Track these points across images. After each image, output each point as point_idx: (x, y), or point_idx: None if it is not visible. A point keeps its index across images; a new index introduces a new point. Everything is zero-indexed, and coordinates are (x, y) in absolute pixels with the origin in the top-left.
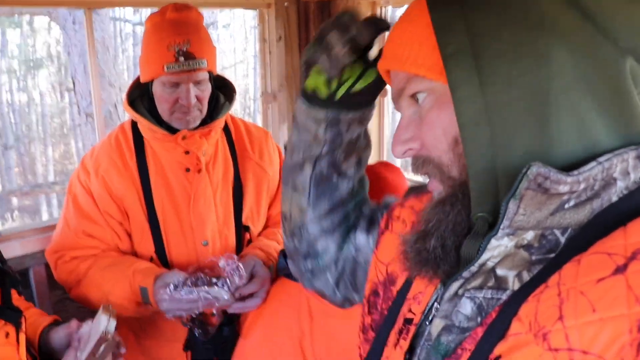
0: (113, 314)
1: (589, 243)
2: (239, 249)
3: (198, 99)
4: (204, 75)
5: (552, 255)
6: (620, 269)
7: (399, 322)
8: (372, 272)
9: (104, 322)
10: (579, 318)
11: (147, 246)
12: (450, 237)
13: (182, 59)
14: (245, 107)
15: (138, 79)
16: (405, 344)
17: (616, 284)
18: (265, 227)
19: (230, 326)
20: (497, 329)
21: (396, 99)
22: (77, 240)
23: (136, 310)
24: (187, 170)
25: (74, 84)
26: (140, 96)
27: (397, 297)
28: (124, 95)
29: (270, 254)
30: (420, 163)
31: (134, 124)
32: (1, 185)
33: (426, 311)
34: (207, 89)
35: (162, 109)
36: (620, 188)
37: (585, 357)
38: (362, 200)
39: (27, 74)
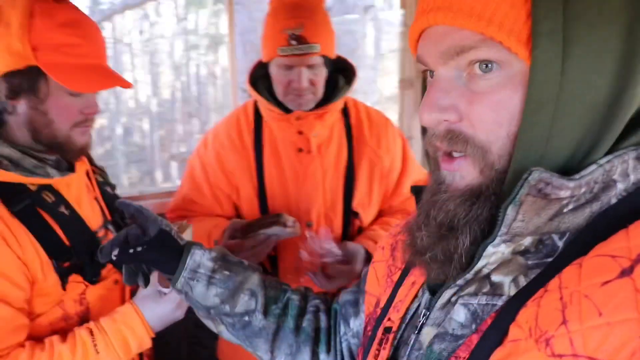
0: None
1: (589, 246)
2: (346, 234)
3: (311, 82)
4: (317, 60)
5: (550, 259)
6: (626, 272)
7: (379, 333)
8: (366, 307)
9: (185, 236)
10: (584, 322)
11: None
12: (474, 235)
13: (294, 42)
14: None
15: (259, 60)
16: (385, 354)
17: (623, 287)
18: (380, 215)
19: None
20: (493, 336)
21: (447, 57)
22: (185, 206)
23: None
24: (300, 150)
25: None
26: (262, 76)
27: (381, 313)
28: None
29: None
30: (459, 140)
31: (255, 104)
32: (185, 148)
33: (407, 319)
34: (321, 73)
35: (277, 90)
36: (619, 190)
37: None
38: (314, 308)
39: (210, 50)
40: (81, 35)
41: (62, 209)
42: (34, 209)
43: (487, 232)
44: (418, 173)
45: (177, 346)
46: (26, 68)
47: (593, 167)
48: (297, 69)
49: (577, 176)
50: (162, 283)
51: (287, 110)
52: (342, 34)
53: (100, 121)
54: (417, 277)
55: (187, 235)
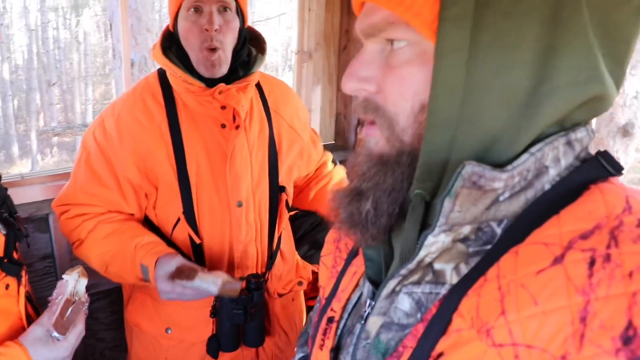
0: (82, 273)
1: (525, 233)
2: (274, 211)
3: (222, 31)
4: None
5: (489, 246)
6: (558, 260)
7: (323, 323)
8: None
9: (71, 284)
10: (521, 312)
11: (174, 206)
12: (385, 202)
13: None
14: (287, 59)
15: (167, 29)
16: (329, 343)
17: (556, 275)
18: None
19: (259, 291)
20: (438, 325)
21: (366, 34)
22: (82, 198)
23: (135, 282)
24: (223, 126)
25: (111, 26)
26: (169, 47)
27: (325, 303)
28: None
29: None
30: (370, 108)
31: (161, 77)
32: (43, 120)
33: (349, 308)
34: (233, 21)
35: (190, 47)
36: (552, 176)
37: (529, 351)
38: None
39: (73, 13)
40: None
41: None
42: None
43: (424, 221)
44: (321, 144)
45: None
46: None
47: (525, 156)
48: (207, 10)
49: (509, 167)
50: (57, 329)
51: (207, 84)
52: None
53: None
54: (358, 267)
55: (81, 285)
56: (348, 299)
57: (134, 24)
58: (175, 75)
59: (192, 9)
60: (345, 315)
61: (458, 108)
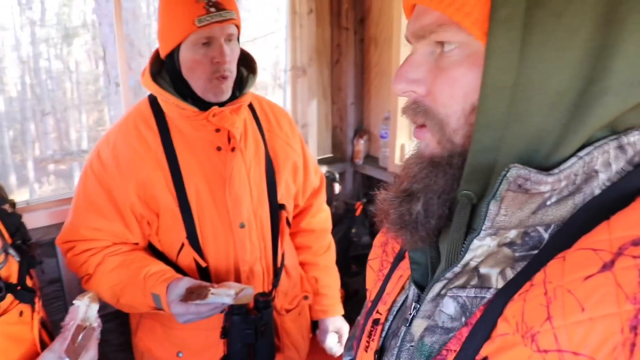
0: (93, 298)
1: (573, 239)
2: (275, 228)
3: (230, 60)
4: (233, 30)
5: (536, 251)
6: (607, 266)
7: (368, 325)
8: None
9: (82, 310)
10: (568, 318)
11: (178, 232)
12: (435, 204)
13: (213, 9)
14: (276, 78)
15: (155, 55)
16: (374, 345)
17: (604, 282)
18: (297, 232)
19: (267, 310)
20: (483, 329)
21: (417, 36)
22: (86, 234)
23: (148, 311)
24: (219, 149)
25: (104, 53)
26: (158, 73)
27: (371, 306)
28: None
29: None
30: (420, 111)
31: (152, 104)
32: (39, 150)
33: (394, 311)
34: (237, 49)
35: (196, 77)
36: (602, 180)
37: (576, 358)
38: None
39: (64, 43)
40: None
41: None
42: None
43: (470, 224)
44: (315, 161)
45: None
46: None
47: (573, 159)
48: (217, 43)
49: (556, 170)
50: (69, 355)
51: (199, 108)
52: None
53: None
54: (404, 270)
55: (92, 310)
56: (393, 302)
57: (127, 50)
58: (168, 101)
59: (201, 43)
60: (391, 318)
61: (507, 109)
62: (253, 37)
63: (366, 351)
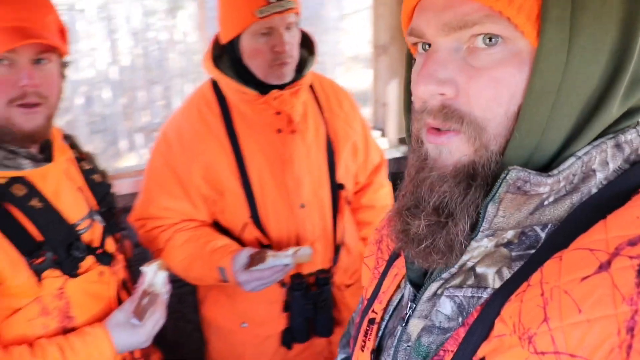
0: (161, 266)
1: (570, 238)
2: (335, 207)
3: (290, 47)
4: (294, 19)
5: (532, 251)
6: (603, 266)
7: (364, 324)
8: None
9: (149, 276)
10: (565, 319)
11: (241, 212)
12: (472, 220)
13: (273, 0)
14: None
15: (216, 39)
16: (370, 345)
17: (601, 283)
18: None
19: (326, 286)
20: (480, 330)
21: (452, 27)
22: (156, 212)
23: (215, 283)
24: (279, 131)
25: (206, 24)
26: (219, 57)
27: (367, 304)
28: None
29: None
30: (454, 117)
31: (214, 87)
32: (148, 117)
33: (390, 310)
34: (297, 35)
35: (257, 64)
36: (599, 179)
37: None
38: None
39: (169, 15)
40: None
41: (34, 202)
42: (1, 205)
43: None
44: (376, 141)
45: None
46: None
47: (572, 159)
48: (277, 32)
49: (555, 171)
50: (136, 315)
51: (260, 91)
52: None
53: None
54: (399, 268)
55: (159, 277)
56: (389, 301)
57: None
58: (229, 86)
59: (261, 32)
60: (387, 317)
61: (549, 114)
62: (340, 15)
63: (362, 350)
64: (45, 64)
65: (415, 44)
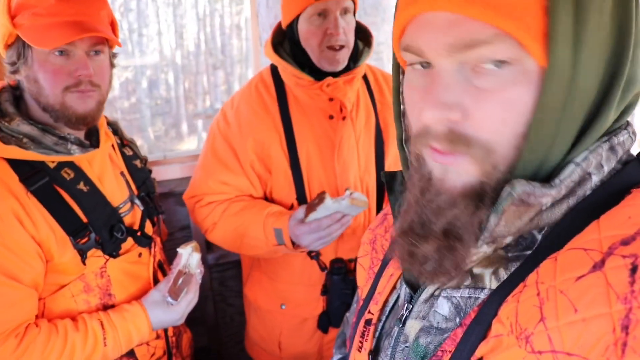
0: (196, 248)
1: (565, 239)
2: (380, 195)
3: (344, 33)
4: (349, 4)
5: (529, 252)
6: (597, 266)
7: (361, 325)
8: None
9: (184, 257)
10: (561, 319)
11: (288, 193)
12: (469, 243)
13: None
14: None
15: (278, 26)
16: (367, 346)
17: (596, 282)
18: None
19: None
20: (477, 330)
21: (453, 49)
22: (214, 187)
23: (269, 251)
24: (331, 117)
25: (258, 16)
26: (280, 43)
27: (362, 305)
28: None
29: None
30: (461, 142)
31: (273, 72)
32: (209, 101)
33: (386, 311)
34: (352, 22)
35: (311, 47)
36: (594, 182)
37: (569, 358)
38: None
39: (234, 1)
40: None
41: (81, 186)
42: (51, 187)
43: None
44: None
45: (203, 304)
46: (16, 39)
47: (571, 167)
48: (332, 15)
49: (557, 181)
50: (171, 294)
51: (315, 77)
52: None
53: (125, 75)
54: (394, 269)
55: (193, 259)
56: (385, 302)
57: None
58: (286, 70)
59: (317, 14)
60: (383, 318)
61: (555, 130)
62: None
63: (359, 351)
64: (98, 55)
65: (412, 64)
